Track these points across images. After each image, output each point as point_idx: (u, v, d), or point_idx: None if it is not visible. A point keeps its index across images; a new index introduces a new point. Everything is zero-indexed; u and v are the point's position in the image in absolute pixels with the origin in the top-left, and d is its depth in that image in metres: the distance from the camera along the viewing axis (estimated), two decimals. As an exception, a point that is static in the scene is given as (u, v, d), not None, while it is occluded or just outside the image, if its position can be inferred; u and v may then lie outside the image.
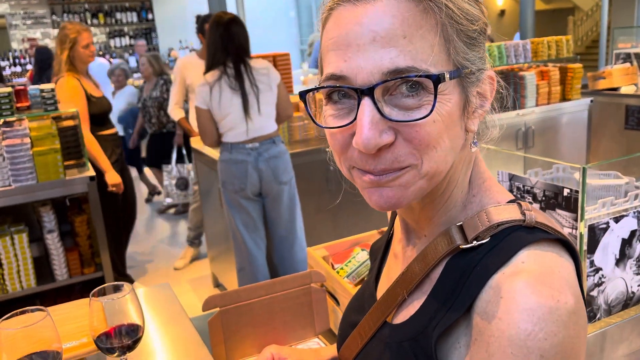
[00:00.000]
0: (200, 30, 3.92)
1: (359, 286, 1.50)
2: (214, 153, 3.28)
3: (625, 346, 1.32)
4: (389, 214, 0.93)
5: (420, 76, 0.56)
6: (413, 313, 0.67)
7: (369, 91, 0.57)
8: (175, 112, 3.93)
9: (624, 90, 4.42)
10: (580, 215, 1.16)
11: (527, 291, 0.54)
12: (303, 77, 4.22)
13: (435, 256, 0.66)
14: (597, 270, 1.25)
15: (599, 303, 1.29)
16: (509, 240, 0.61)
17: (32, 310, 0.98)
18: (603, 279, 1.27)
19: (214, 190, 3.34)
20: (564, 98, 4.24)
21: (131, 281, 3.75)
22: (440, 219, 0.69)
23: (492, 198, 0.68)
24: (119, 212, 3.62)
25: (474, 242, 0.62)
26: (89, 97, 3.30)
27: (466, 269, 0.61)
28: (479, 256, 0.61)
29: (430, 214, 0.69)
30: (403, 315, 0.69)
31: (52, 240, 2.81)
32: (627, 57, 4.66)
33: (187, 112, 4.00)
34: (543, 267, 0.57)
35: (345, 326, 0.85)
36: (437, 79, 0.56)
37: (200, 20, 3.95)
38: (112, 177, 3.26)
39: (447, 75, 0.57)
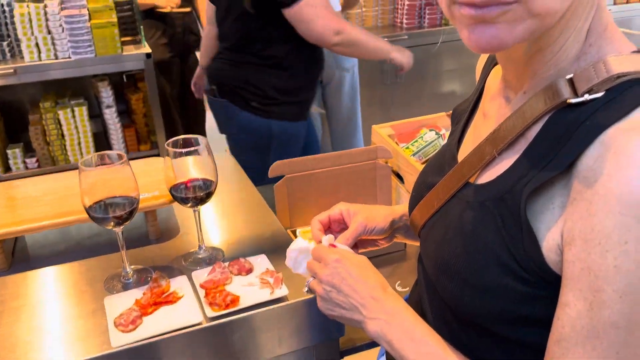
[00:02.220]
0: None
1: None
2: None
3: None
4: (478, 72, 0.87)
5: None
6: (501, 172, 0.62)
7: None
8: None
9: None
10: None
11: None
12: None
13: (536, 112, 0.59)
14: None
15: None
16: (629, 94, 0.53)
17: (111, 153, 0.99)
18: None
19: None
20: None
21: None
22: (548, 72, 0.61)
23: (613, 47, 0.59)
24: (187, 100, 3.61)
25: (586, 95, 0.55)
26: None
27: (572, 125, 0.55)
28: (589, 111, 0.54)
29: (537, 66, 0.62)
30: (489, 175, 0.65)
31: (110, 115, 2.86)
32: None
33: None
34: None
35: (420, 188, 0.81)
36: None
37: None
38: None
39: None
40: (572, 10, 0.57)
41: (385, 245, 0.97)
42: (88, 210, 0.97)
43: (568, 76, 0.59)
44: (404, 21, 3.45)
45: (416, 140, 1.47)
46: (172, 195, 1.05)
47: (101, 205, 0.97)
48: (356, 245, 0.93)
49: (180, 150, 1.03)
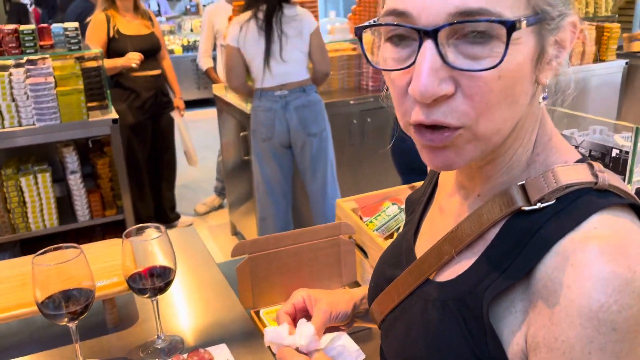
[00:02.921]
0: None
1: (389, 240, 1.48)
2: (235, 100, 3.24)
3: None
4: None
5: (493, 21, 0.50)
6: (461, 272, 0.63)
7: (432, 33, 0.51)
8: (203, 60, 3.86)
9: (661, 53, 4.25)
10: (628, 178, 1.12)
11: (601, 259, 0.50)
12: (330, 25, 4.10)
13: (492, 217, 0.61)
14: None
15: None
16: (579, 203, 0.56)
17: (66, 248, 0.97)
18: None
19: (235, 138, 3.31)
20: (597, 59, 4.09)
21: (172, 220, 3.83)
22: (500, 178, 0.64)
23: (559, 157, 0.62)
24: (159, 159, 3.62)
25: (538, 204, 0.57)
26: (114, 34, 3.25)
27: (527, 232, 0.57)
28: (542, 219, 0.57)
29: (490, 173, 0.64)
30: (449, 274, 0.66)
31: (75, 181, 2.82)
32: (666, 19, 4.45)
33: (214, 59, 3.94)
34: (618, 234, 0.53)
35: (379, 280, 0.82)
36: (512, 26, 0.50)
37: None
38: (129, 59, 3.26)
39: (523, 22, 0.51)
40: (520, 124, 0.60)
41: (346, 330, 0.96)
42: (40, 306, 0.94)
43: (520, 183, 0.61)
44: (369, 84, 3.54)
45: (379, 214, 1.48)
46: (130, 285, 1.03)
47: (54, 300, 0.94)
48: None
49: (137, 238, 1.02)
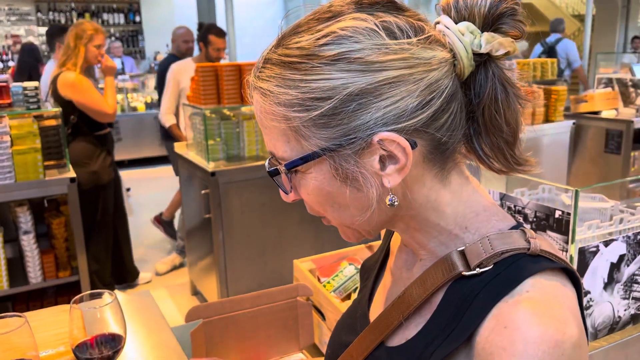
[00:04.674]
0: (202, 39, 3.91)
1: (346, 301, 1.48)
2: (196, 158, 3.25)
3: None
4: (382, 231, 0.91)
5: (266, 166, 0.66)
6: (410, 337, 0.65)
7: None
8: (166, 117, 3.88)
9: (605, 114, 4.50)
10: (571, 238, 1.17)
11: (532, 321, 0.53)
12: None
13: (435, 282, 0.64)
14: (586, 293, 1.25)
15: (586, 327, 1.28)
16: (513, 268, 0.59)
17: (10, 316, 0.94)
18: (591, 303, 1.26)
19: (196, 196, 3.30)
20: (547, 119, 4.30)
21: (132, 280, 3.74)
22: (436, 247, 0.67)
23: (492, 226, 0.66)
24: (115, 217, 3.56)
25: (477, 269, 0.61)
26: None
27: (467, 297, 0.60)
28: (481, 284, 0.60)
29: (424, 242, 0.68)
30: (399, 338, 0.67)
31: (28, 242, 2.73)
32: (608, 82, 4.75)
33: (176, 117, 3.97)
34: (548, 296, 0.56)
35: (335, 346, 0.83)
36: (274, 171, 0.64)
37: (204, 29, 3.96)
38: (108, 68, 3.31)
39: (282, 169, 0.62)
40: (413, 210, 0.64)
41: None
42: (-22, 381, 0.89)
43: (460, 249, 0.63)
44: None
45: (337, 275, 1.49)
46: (76, 356, 0.99)
47: (-6, 373, 0.90)
48: None
49: (86, 304, 0.99)
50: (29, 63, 5.20)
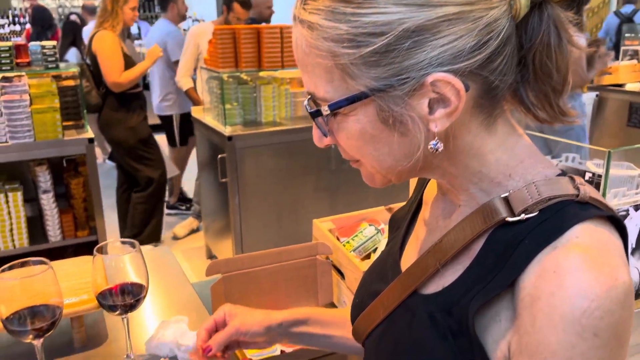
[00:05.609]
0: (226, 3, 3.86)
1: (366, 261, 1.47)
2: (213, 122, 3.23)
3: (635, 336, 1.30)
4: (411, 182, 0.89)
5: (306, 107, 0.63)
6: (447, 284, 0.64)
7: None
8: (184, 80, 3.85)
9: (629, 87, 4.39)
10: (600, 200, 1.14)
11: (584, 266, 0.51)
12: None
13: (476, 229, 0.62)
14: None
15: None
16: (561, 214, 0.57)
17: (34, 262, 0.94)
18: (616, 267, 1.23)
19: (211, 160, 3.30)
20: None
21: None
22: (476, 192, 0.65)
23: (538, 173, 0.63)
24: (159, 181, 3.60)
25: (522, 215, 0.58)
26: (124, 55, 3.32)
27: (511, 243, 0.58)
28: (527, 230, 0.58)
29: (465, 185, 0.65)
30: (435, 286, 0.66)
31: (47, 201, 2.76)
32: (634, 54, 4.62)
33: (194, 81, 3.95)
34: (599, 243, 0.54)
35: (364, 296, 0.81)
36: (316, 112, 0.61)
37: None
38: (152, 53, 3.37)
39: (324, 109, 0.59)
40: (453, 158, 0.62)
41: (267, 347, 0.97)
42: (4, 322, 0.90)
43: (503, 195, 0.61)
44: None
45: (356, 235, 1.48)
46: (99, 302, 1.00)
47: (20, 316, 0.91)
48: (232, 346, 0.93)
49: (109, 254, 0.99)
50: (44, 25, 5.22)
